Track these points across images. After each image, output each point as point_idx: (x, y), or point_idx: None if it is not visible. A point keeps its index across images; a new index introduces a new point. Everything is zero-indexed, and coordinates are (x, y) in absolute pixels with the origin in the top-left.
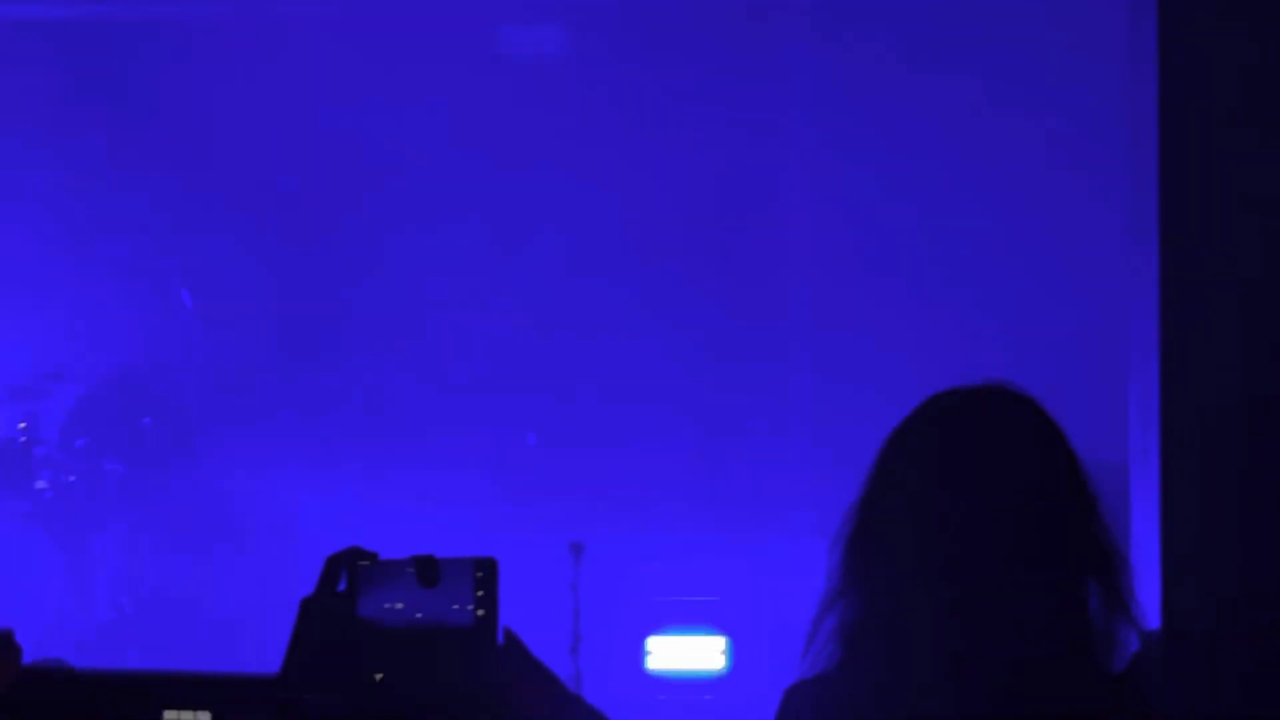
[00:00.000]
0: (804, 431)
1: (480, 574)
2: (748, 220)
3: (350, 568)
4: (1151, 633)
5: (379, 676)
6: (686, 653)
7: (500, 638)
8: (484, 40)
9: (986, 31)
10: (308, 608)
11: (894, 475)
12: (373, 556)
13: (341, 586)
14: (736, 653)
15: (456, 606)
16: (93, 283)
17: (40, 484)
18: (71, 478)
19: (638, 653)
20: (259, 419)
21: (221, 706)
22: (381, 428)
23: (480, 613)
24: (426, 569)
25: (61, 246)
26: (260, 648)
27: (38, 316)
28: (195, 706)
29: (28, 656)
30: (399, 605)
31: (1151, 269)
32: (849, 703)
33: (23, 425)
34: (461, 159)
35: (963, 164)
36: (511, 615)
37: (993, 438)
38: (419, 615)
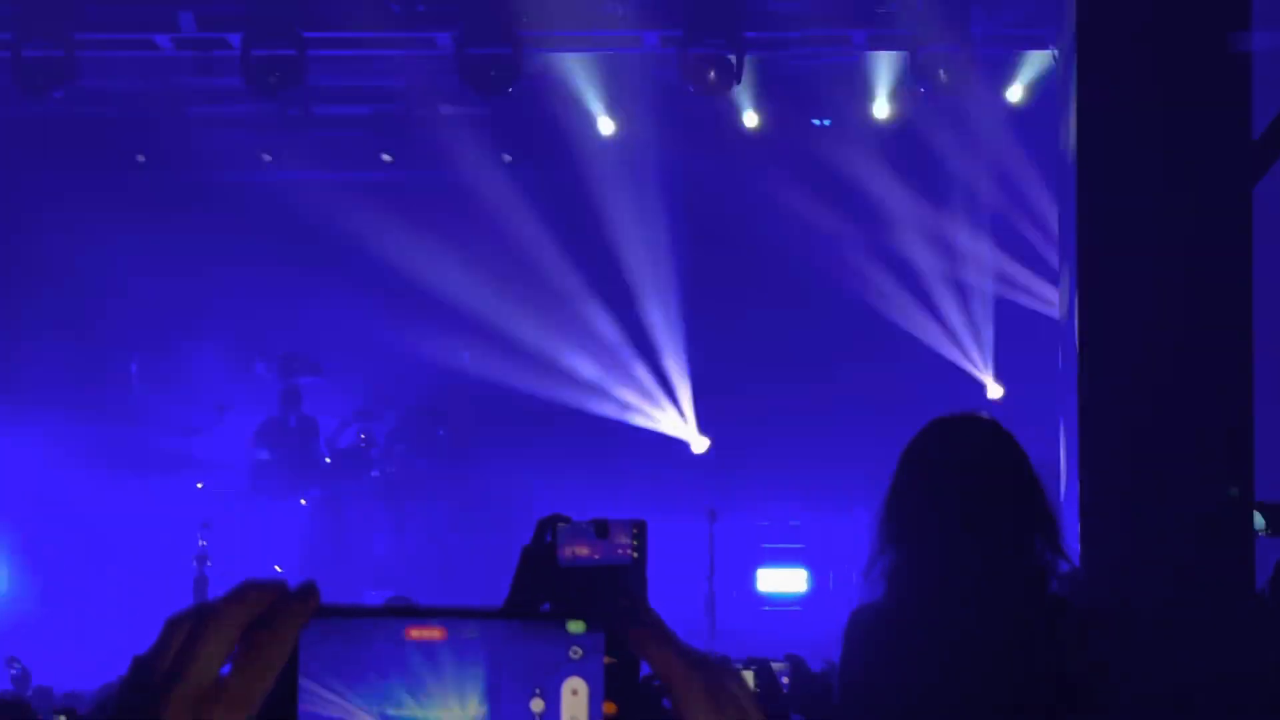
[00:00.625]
0: (855, 435)
1: (635, 529)
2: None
3: (553, 526)
4: (1074, 568)
5: (573, 595)
6: (782, 579)
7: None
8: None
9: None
10: (526, 552)
11: (912, 472)
12: (567, 519)
13: (548, 539)
14: (815, 580)
15: (620, 551)
16: (404, 343)
17: (374, 474)
18: (393, 470)
19: (750, 579)
20: (513, 432)
21: (454, 626)
22: (578, 436)
23: (635, 555)
24: (600, 527)
25: (383, 322)
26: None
27: (371, 364)
28: (432, 626)
29: (365, 584)
30: (584, 551)
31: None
32: (894, 620)
33: (363, 436)
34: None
35: None
36: (669, 555)
37: (972, 444)
38: (596, 557)
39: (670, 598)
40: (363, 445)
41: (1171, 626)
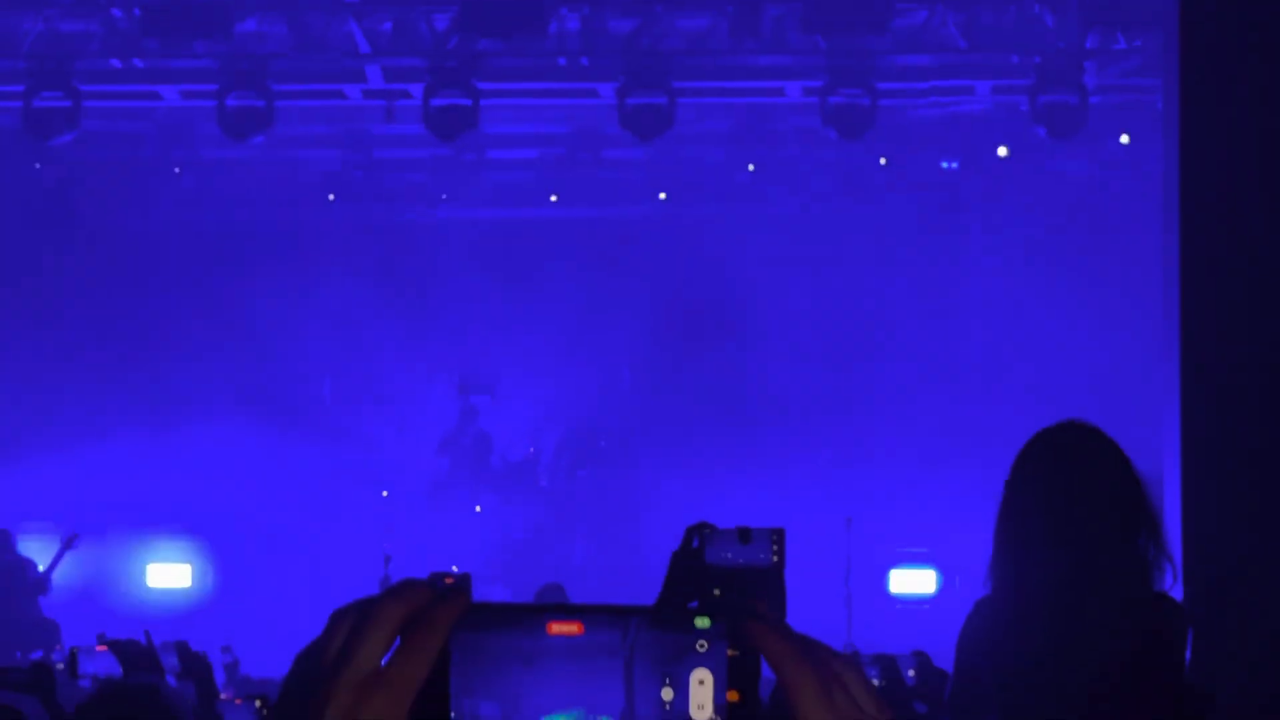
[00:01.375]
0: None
1: (775, 536)
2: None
3: (700, 533)
4: (1174, 563)
5: (716, 592)
6: (912, 580)
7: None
8: None
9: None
10: (675, 557)
11: (1021, 479)
12: (713, 526)
13: (695, 544)
14: (943, 580)
15: (762, 556)
16: (568, 364)
17: (543, 483)
18: (559, 480)
19: (884, 580)
20: (668, 444)
21: (591, 622)
22: (746, 450)
23: (775, 560)
24: (744, 534)
25: (549, 344)
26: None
27: (537, 387)
28: (571, 620)
29: (532, 583)
30: (729, 555)
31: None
32: (1004, 619)
33: (532, 449)
34: None
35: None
36: (809, 559)
37: (1079, 454)
38: (740, 561)
39: (810, 598)
40: (532, 457)
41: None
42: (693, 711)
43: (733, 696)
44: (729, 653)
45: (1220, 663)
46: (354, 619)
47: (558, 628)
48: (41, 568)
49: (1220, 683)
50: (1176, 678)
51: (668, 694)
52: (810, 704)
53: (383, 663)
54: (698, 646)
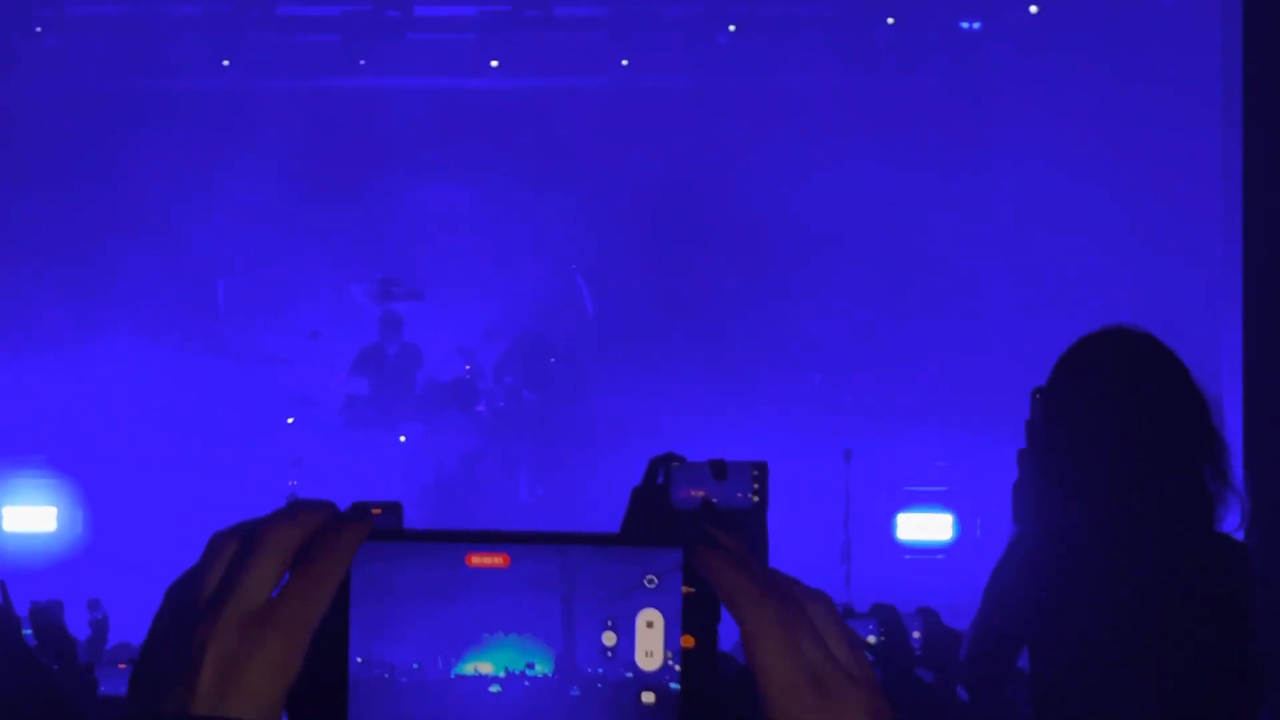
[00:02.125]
0: (1010, 362)
1: (755, 472)
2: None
3: (666, 467)
4: (1243, 498)
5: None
6: (924, 525)
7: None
8: None
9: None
10: (636, 494)
11: (1072, 399)
12: (682, 459)
13: (659, 480)
14: (961, 526)
15: (740, 495)
16: (512, 272)
17: (480, 408)
18: (501, 404)
19: (890, 525)
20: (632, 362)
21: (520, 553)
22: (711, 373)
23: (755, 499)
24: (718, 468)
25: (498, 242)
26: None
27: (478, 296)
28: (495, 552)
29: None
30: (699, 493)
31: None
32: (1046, 560)
33: (468, 367)
34: None
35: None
36: (798, 500)
37: (1131, 364)
38: (713, 499)
39: (800, 547)
40: (467, 377)
41: None
42: (639, 659)
43: (687, 642)
44: (683, 590)
45: None
46: (238, 544)
47: (479, 559)
48: None
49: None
50: (1239, 635)
51: (610, 639)
52: (772, 650)
53: (272, 596)
54: (646, 582)
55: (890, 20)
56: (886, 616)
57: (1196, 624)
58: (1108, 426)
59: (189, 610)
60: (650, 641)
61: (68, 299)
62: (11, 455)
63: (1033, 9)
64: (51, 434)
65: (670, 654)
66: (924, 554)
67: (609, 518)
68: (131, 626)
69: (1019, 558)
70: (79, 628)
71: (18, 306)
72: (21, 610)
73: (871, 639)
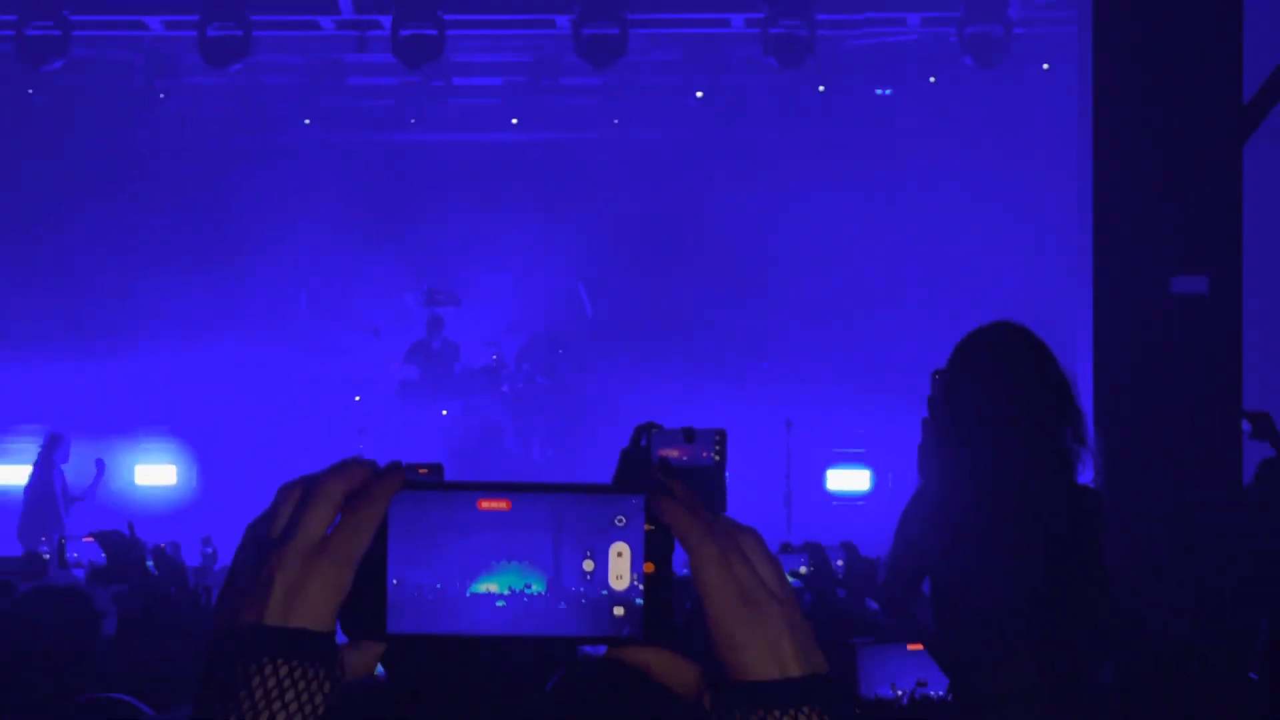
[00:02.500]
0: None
1: (717, 437)
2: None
3: (647, 432)
4: (1095, 456)
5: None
6: (849, 479)
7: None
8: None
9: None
10: (624, 454)
11: (960, 377)
12: (660, 426)
13: (643, 442)
14: (876, 479)
15: (705, 454)
16: (528, 283)
17: (504, 389)
18: (520, 385)
19: (821, 479)
20: (622, 353)
21: (519, 499)
22: (685, 362)
23: (716, 458)
24: (688, 434)
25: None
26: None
27: (503, 302)
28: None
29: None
30: (672, 453)
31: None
32: (946, 504)
33: (495, 357)
34: None
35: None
36: (751, 459)
37: (1011, 352)
38: (684, 458)
39: (752, 496)
40: (494, 364)
41: (1171, 518)
42: (612, 581)
43: (649, 568)
44: (645, 528)
45: (1129, 547)
46: (300, 493)
47: (487, 504)
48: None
49: (1131, 566)
50: (1093, 557)
51: (589, 565)
52: (711, 572)
53: (327, 533)
54: (616, 522)
55: (821, 88)
56: (815, 551)
57: (1061, 551)
58: (990, 400)
59: (262, 544)
60: (620, 567)
61: (191, 301)
62: (143, 424)
63: (931, 80)
64: (174, 407)
65: (635, 577)
66: (848, 501)
67: (603, 472)
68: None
69: (922, 505)
70: (193, 558)
71: (152, 305)
72: (148, 545)
73: (803, 569)
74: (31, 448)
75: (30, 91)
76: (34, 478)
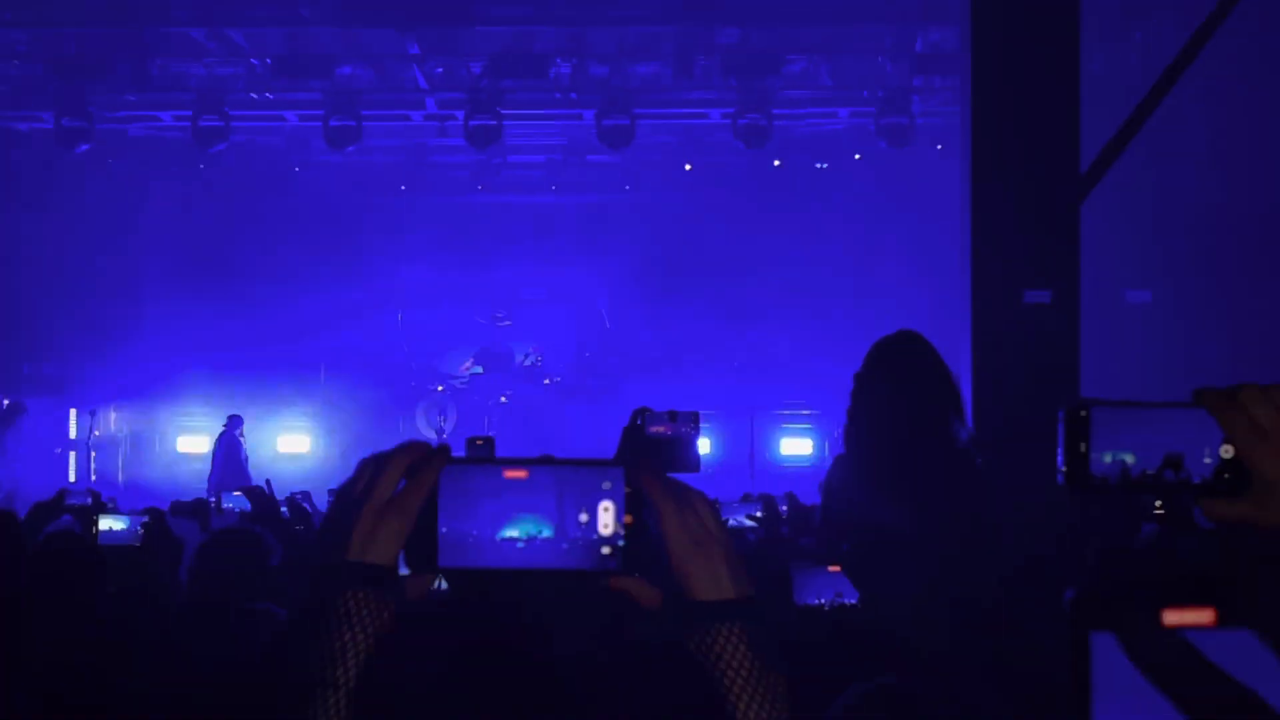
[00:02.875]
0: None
1: (693, 417)
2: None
3: (642, 414)
4: (973, 435)
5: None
6: (796, 446)
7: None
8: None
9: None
10: (625, 430)
11: (869, 369)
12: (651, 410)
13: (639, 422)
14: (819, 446)
15: (684, 430)
16: (562, 305)
17: (545, 382)
18: (558, 379)
19: (776, 445)
20: (630, 358)
21: (533, 469)
22: (678, 367)
23: (693, 432)
24: (672, 415)
25: (555, 288)
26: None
27: (543, 319)
28: (519, 469)
29: (533, 452)
30: (662, 429)
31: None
32: (857, 466)
33: (539, 360)
34: None
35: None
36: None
37: (910, 353)
38: (669, 433)
39: (726, 459)
40: (538, 365)
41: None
42: (600, 529)
43: (628, 519)
44: (625, 490)
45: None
46: (374, 465)
47: (510, 474)
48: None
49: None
50: (976, 513)
51: (584, 517)
52: (669, 524)
53: (394, 494)
54: (604, 486)
55: (776, 162)
56: (767, 500)
57: (949, 509)
58: (891, 391)
59: (346, 502)
60: (607, 518)
61: (318, 314)
62: (284, 404)
63: (856, 157)
64: (306, 391)
65: (618, 526)
66: (794, 463)
67: (612, 441)
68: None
69: (841, 468)
70: (323, 504)
71: (294, 314)
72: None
73: (758, 514)
74: (204, 423)
75: (201, 166)
76: (221, 443)
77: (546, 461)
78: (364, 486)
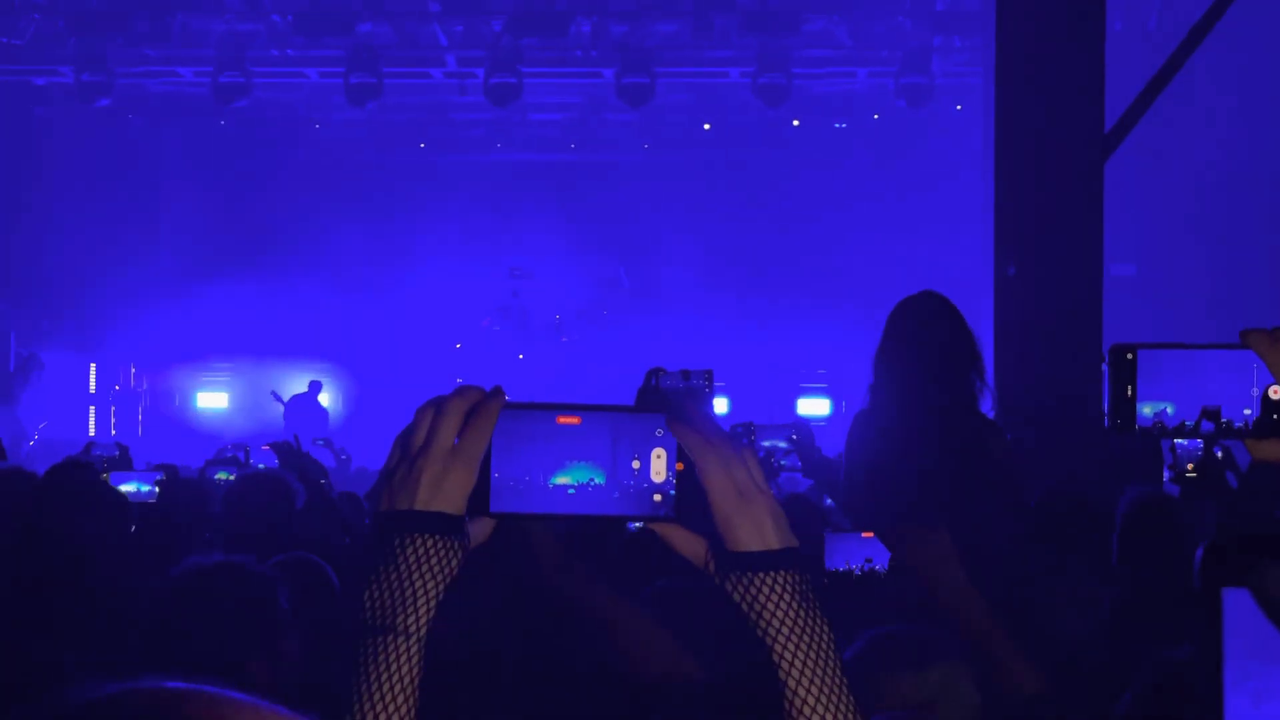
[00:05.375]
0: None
1: (706, 374)
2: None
3: (656, 374)
4: (994, 395)
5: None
6: (813, 406)
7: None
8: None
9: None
10: (641, 390)
11: (891, 328)
12: (665, 369)
13: (654, 381)
14: (834, 405)
15: (695, 384)
16: (582, 265)
17: (563, 340)
18: (576, 337)
19: (792, 405)
20: (645, 314)
21: (587, 416)
22: (693, 316)
23: (705, 388)
24: (685, 374)
25: (574, 246)
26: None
27: (565, 278)
28: (572, 415)
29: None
30: (675, 385)
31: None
32: (880, 421)
33: (558, 316)
34: None
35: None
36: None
37: (929, 310)
38: (681, 388)
39: (740, 420)
40: (558, 322)
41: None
42: (652, 476)
43: (679, 467)
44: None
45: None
46: (434, 410)
47: (563, 419)
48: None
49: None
50: (994, 474)
51: (636, 464)
52: (713, 474)
53: (455, 442)
54: (656, 433)
55: (795, 122)
56: (801, 428)
57: (968, 466)
58: (912, 350)
59: (408, 450)
60: (658, 466)
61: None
62: (303, 358)
63: (875, 117)
64: (325, 345)
65: (670, 474)
66: (812, 422)
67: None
68: (373, 460)
69: (863, 422)
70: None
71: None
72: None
73: (794, 436)
74: (224, 379)
75: (222, 122)
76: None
77: (600, 409)
78: (426, 433)
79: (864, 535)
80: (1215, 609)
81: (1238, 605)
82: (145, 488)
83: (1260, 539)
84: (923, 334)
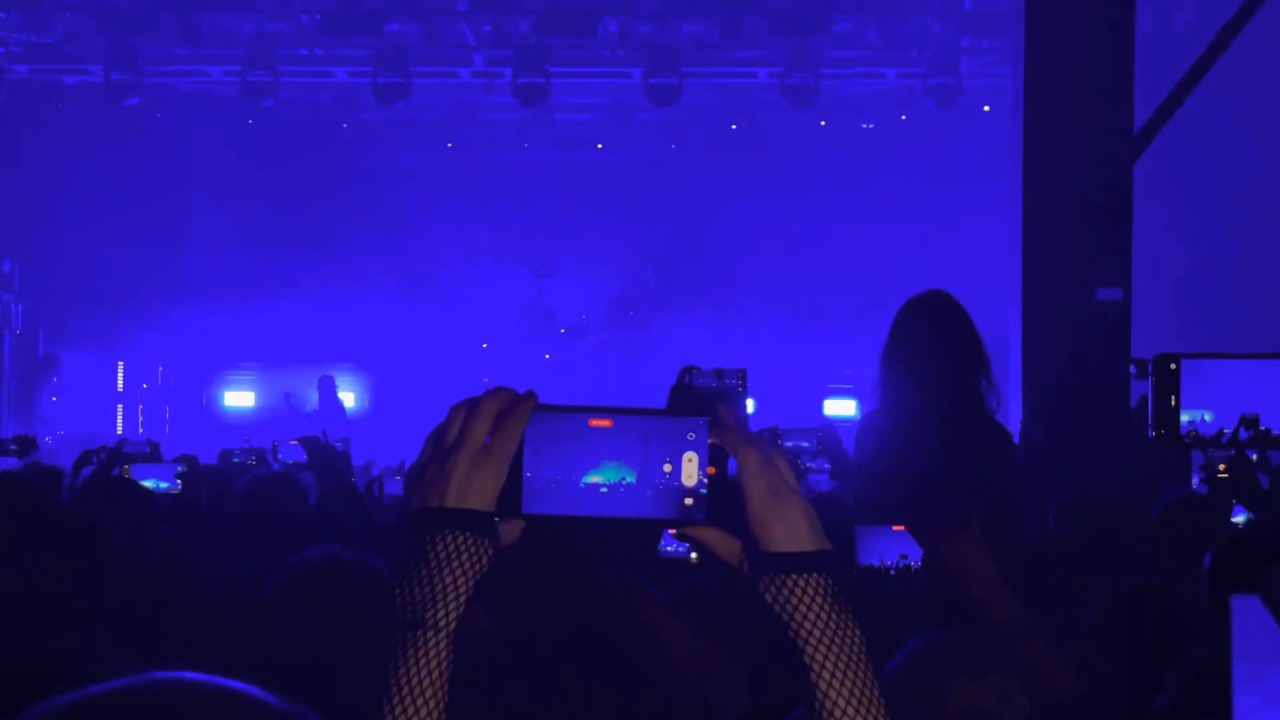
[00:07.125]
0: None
1: (740, 373)
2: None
3: (689, 372)
4: (999, 397)
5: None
6: (840, 407)
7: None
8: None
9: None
10: (673, 388)
11: (900, 330)
12: (698, 367)
13: (686, 379)
14: (861, 407)
15: (728, 384)
16: (607, 264)
17: (590, 340)
18: (603, 336)
19: (819, 407)
20: (675, 313)
21: (619, 418)
22: (718, 318)
23: (739, 388)
24: (719, 373)
25: (601, 246)
26: (661, 399)
27: (590, 278)
28: (604, 418)
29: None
30: (708, 385)
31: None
32: (889, 423)
33: (584, 316)
34: None
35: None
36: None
37: (938, 312)
38: (714, 387)
39: (771, 418)
40: (583, 322)
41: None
42: (684, 479)
43: (711, 470)
44: (709, 441)
45: (1049, 467)
46: (466, 410)
47: (595, 422)
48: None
49: (1050, 483)
50: (998, 479)
51: (668, 467)
52: (749, 474)
53: (487, 441)
54: (688, 436)
55: (823, 122)
56: (827, 429)
57: (975, 467)
58: (921, 352)
59: (439, 448)
60: (690, 468)
61: (356, 267)
62: (328, 359)
63: (903, 117)
64: (350, 346)
65: (701, 476)
66: (840, 422)
67: (659, 397)
68: (389, 457)
69: (872, 424)
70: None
71: (340, 267)
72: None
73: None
74: (250, 378)
75: (250, 121)
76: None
77: (632, 411)
78: (458, 432)
79: (896, 529)
80: (1224, 614)
81: (1247, 609)
82: (164, 484)
83: (1268, 544)
84: (930, 333)
